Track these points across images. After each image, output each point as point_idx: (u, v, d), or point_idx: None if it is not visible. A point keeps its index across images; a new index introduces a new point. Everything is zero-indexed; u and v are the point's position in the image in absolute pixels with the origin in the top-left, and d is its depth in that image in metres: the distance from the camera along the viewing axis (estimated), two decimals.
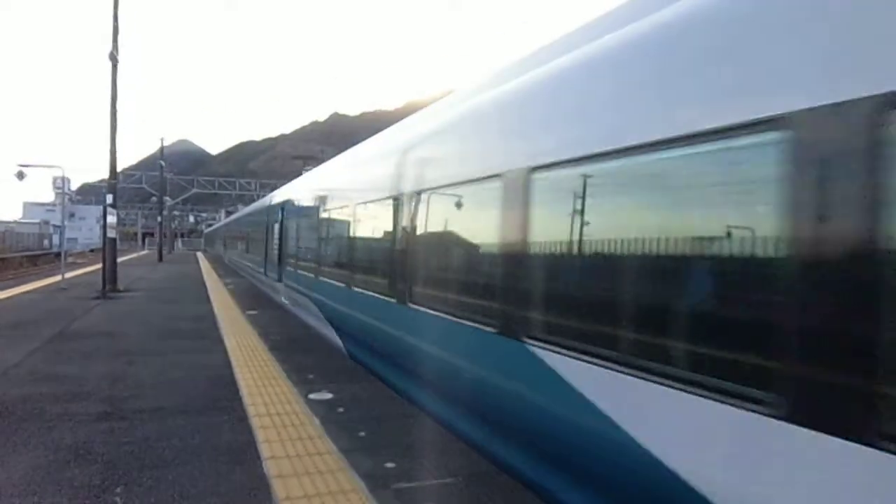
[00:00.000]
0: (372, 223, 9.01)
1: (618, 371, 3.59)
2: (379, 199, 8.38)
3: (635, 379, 3.44)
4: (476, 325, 5.46)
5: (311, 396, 6.98)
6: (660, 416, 3.33)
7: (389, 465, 4.94)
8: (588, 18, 4.98)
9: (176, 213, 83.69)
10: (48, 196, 39.30)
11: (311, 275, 12.68)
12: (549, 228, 4.67)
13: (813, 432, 2.48)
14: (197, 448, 5.30)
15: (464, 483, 4.62)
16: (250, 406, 6.52)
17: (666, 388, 3.23)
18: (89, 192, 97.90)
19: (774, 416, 2.63)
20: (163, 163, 50.73)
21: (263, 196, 32.79)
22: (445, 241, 6.70)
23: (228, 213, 59.39)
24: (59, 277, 21.77)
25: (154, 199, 62.64)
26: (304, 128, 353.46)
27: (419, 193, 7.03)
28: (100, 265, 20.33)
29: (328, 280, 11.17)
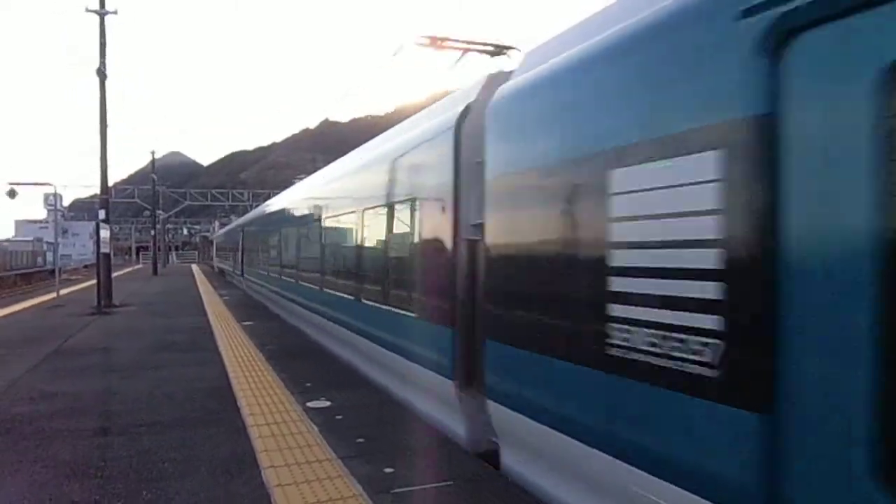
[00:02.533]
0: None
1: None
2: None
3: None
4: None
5: (310, 404, 7.00)
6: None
7: (388, 469, 4.97)
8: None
9: (169, 225, 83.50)
10: (40, 213, 39.19)
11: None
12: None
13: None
14: (196, 460, 5.32)
15: (461, 486, 4.65)
16: (248, 416, 6.54)
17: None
18: (81, 208, 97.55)
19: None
20: (154, 176, 50.62)
21: (256, 206, 37.95)
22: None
23: (222, 225, 59.45)
24: (53, 294, 21.74)
25: (147, 212, 62.56)
26: (295, 136, 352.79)
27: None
28: (94, 281, 20.31)
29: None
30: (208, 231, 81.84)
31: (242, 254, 27.05)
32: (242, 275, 26.75)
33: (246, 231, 26.42)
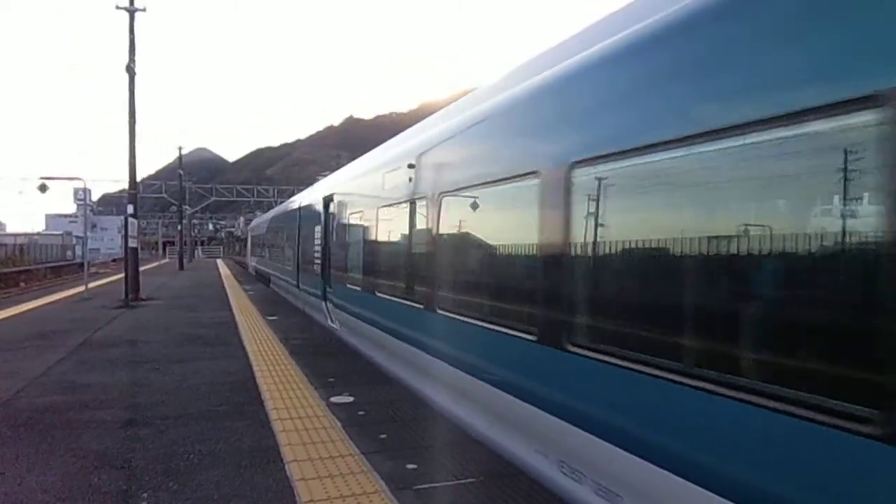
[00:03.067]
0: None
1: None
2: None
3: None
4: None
5: (333, 400, 7.03)
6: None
7: (410, 466, 4.98)
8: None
9: (195, 221, 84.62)
10: (70, 207, 39.91)
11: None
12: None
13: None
14: (221, 453, 5.37)
15: (484, 483, 4.63)
16: (272, 410, 6.59)
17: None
18: (110, 203, 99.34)
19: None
20: (181, 172, 51.33)
21: (281, 202, 37.23)
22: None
23: (248, 221, 60.02)
24: (82, 288, 22.12)
25: (174, 207, 63.44)
26: (319, 132, 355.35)
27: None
28: (122, 275, 20.64)
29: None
30: (233, 227, 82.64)
31: (327, 251, 13.53)
32: (324, 296, 13.40)
33: (336, 208, 12.76)
